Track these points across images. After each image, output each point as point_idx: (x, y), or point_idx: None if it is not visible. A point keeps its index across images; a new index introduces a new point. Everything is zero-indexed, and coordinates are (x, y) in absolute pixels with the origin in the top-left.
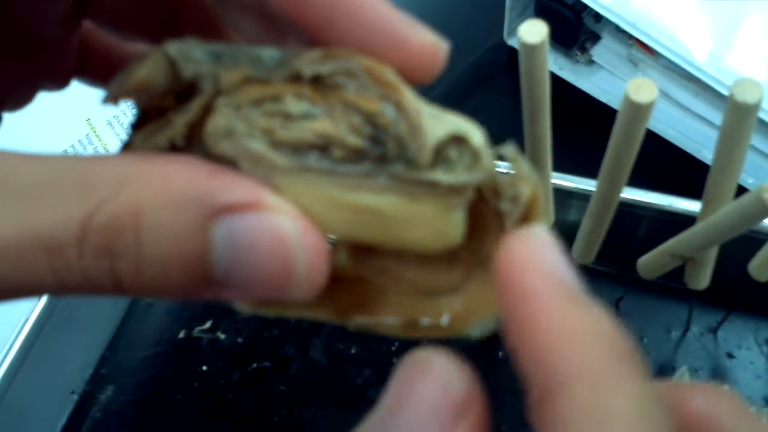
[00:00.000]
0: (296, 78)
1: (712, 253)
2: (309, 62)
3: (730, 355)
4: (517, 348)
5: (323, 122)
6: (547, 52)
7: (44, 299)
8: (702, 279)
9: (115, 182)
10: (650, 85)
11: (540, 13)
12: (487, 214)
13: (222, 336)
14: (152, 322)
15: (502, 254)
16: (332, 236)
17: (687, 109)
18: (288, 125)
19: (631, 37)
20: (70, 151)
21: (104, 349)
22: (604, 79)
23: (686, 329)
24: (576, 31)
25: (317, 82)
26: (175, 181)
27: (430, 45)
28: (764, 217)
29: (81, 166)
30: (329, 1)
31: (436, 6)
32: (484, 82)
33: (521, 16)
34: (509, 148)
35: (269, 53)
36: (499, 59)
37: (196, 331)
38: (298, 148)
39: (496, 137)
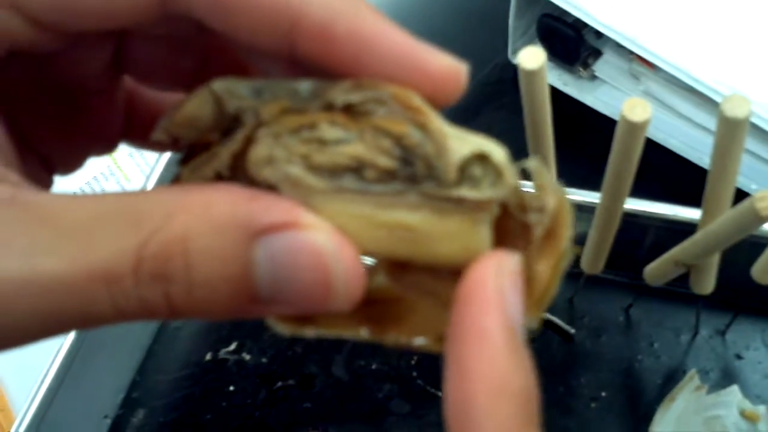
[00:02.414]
0: (330, 107)
1: (715, 260)
2: (341, 92)
3: (739, 357)
4: (450, 378)
5: (355, 146)
6: (546, 76)
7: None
8: (706, 284)
9: (163, 213)
10: (644, 105)
11: (542, 32)
12: (514, 230)
13: (247, 357)
14: (180, 346)
15: (470, 279)
16: (368, 253)
17: (688, 119)
18: (323, 150)
19: (631, 51)
20: (92, 182)
21: (135, 374)
22: (606, 93)
23: (695, 333)
24: (577, 47)
25: (349, 109)
26: (217, 207)
27: (450, 69)
28: (758, 226)
29: (130, 200)
30: (355, 39)
31: (442, 25)
32: (492, 100)
33: (524, 36)
34: (533, 162)
35: (304, 86)
36: (505, 77)
37: (222, 353)
38: (333, 171)
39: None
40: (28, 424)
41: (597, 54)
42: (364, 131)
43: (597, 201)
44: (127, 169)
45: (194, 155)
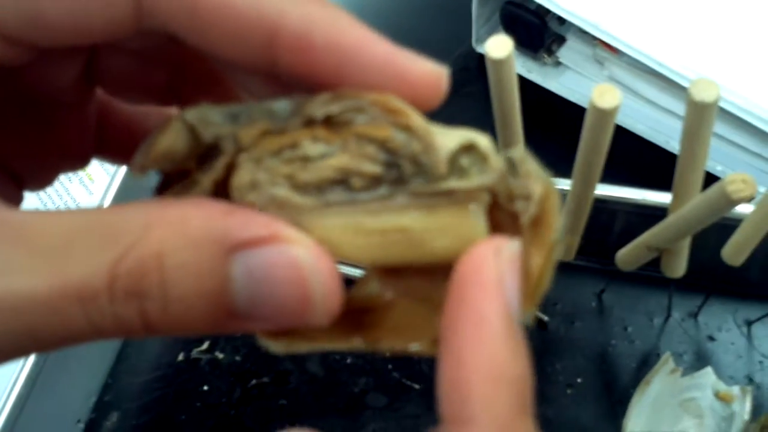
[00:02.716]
0: (310, 122)
1: (686, 243)
2: (319, 105)
3: (712, 338)
4: (444, 365)
5: (340, 157)
6: (514, 65)
7: None
8: (678, 267)
9: (138, 228)
10: (613, 91)
11: (505, 19)
12: (504, 223)
13: (220, 356)
14: (151, 347)
15: (468, 262)
16: (365, 263)
17: (653, 103)
18: (307, 167)
19: (595, 37)
20: (56, 183)
21: (106, 377)
22: (571, 79)
23: (668, 316)
24: (541, 34)
25: (329, 121)
26: (193, 221)
27: (431, 74)
28: (729, 209)
29: (105, 216)
30: (337, 50)
31: (405, 14)
32: (458, 89)
33: (488, 23)
34: (517, 151)
35: (281, 105)
36: (470, 65)
37: (195, 353)
38: (319, 187)
39: None
40: None
41: (561, 40)
42: (347, 141)
43: (567, 188)
44: (91, 169)
45: (171, 183)
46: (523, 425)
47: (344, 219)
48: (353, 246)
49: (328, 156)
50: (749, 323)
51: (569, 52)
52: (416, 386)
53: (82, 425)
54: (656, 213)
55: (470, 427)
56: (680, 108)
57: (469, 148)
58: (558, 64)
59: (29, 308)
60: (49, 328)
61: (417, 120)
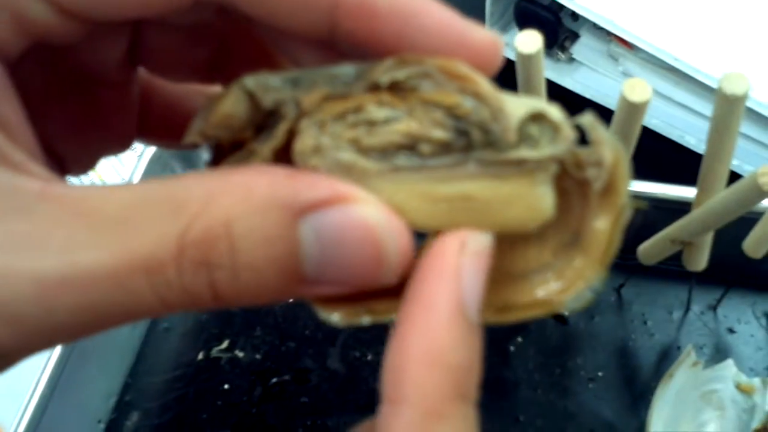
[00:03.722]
0: (374, 87)
1: (709, 236)
2: (385, 71)
3: (731, 331)
4: (391, 345)
5: (407, 122)
6: (543, 60)
7: None
8: (700, 261)
9: (203, 197)
10: (643, 85)
11: (519, 15)
12: (570, 189)
13: (240, 354)
14: (170, 346)
15: (431, 251)
16: (431, 230)
17: (668, 98)
18: (373, 131)
19: (609, 33)
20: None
21: (126, 376)
22: (585, 76)
23: (687, 309)
24: (555, 31)
25: (394, 87)
26: (258, 187)
27: (490, 41)
28: (760, 200)
29: (167, 187)
30: (397, 14)
31: None
32: None
33: (501, 20)
34: (587, 117)
35: (345, 70)
36: None
37: (215, 351)
38: (386, 151)
39: None
40: None
41: (575, 36)
42: (413, 107)
43: None
44: (104, 172)
45: (223, 155)
46: (455, 410)
47: (411, 185)
48: (419, 212)
49: (393, 121)
50: None
51: (583, 48)
52: None
53: (102, 425)
54: (675, 207)
55: (401, 407)
56: (695, 103)
57: (537, 117)
58: (572, 60)
59: (95, 284)
60: (116, 303)
61: (485, 86)
